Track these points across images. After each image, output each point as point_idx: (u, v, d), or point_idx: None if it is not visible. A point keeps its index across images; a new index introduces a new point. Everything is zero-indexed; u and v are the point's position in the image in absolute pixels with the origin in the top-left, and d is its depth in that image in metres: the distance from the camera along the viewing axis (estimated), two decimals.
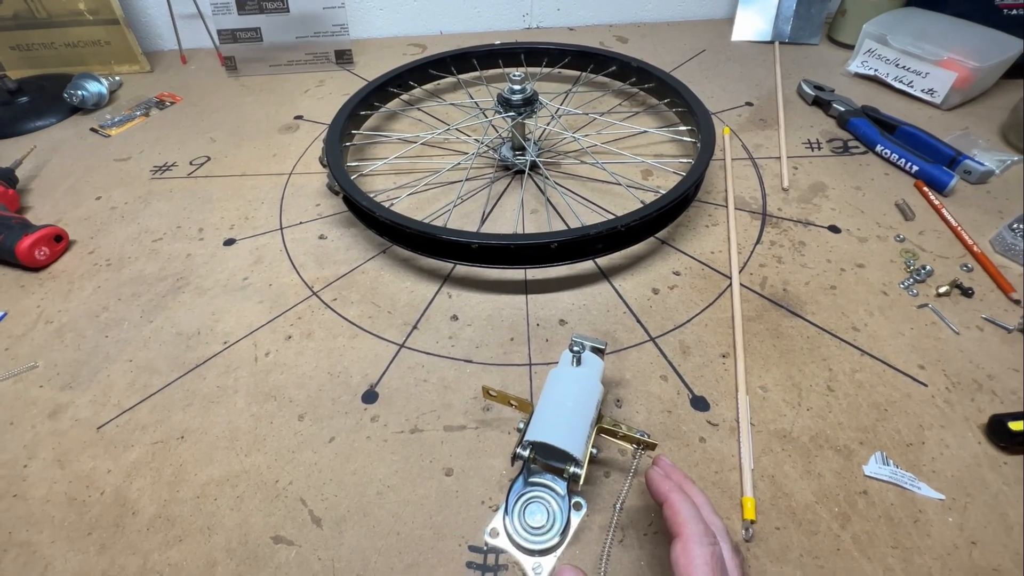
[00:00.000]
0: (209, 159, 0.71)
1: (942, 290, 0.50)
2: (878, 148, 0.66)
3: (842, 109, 0.71)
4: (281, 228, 0.61)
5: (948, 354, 0.45)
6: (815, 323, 0.48)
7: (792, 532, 0.36)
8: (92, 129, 0.78)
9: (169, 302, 0.53)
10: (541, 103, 0.61)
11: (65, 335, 0.51)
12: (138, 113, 0.81)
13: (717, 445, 0.40)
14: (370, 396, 0.45)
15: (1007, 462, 0.39)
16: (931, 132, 0.65)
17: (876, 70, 0.78)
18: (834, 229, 0.57)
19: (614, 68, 0.74)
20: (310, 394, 0.45)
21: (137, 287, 0.55)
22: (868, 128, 0.67)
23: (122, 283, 0.55)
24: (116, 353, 0.49)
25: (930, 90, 0.72)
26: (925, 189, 0.60)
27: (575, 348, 0.37)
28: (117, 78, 0.87)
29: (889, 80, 0.76)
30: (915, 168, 0.62)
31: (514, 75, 0.59)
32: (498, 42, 0.80)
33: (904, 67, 0.75)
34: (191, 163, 0.71)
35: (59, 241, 0.58)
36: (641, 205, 0.51)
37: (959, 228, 0.55)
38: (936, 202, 0.58)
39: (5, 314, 0.53)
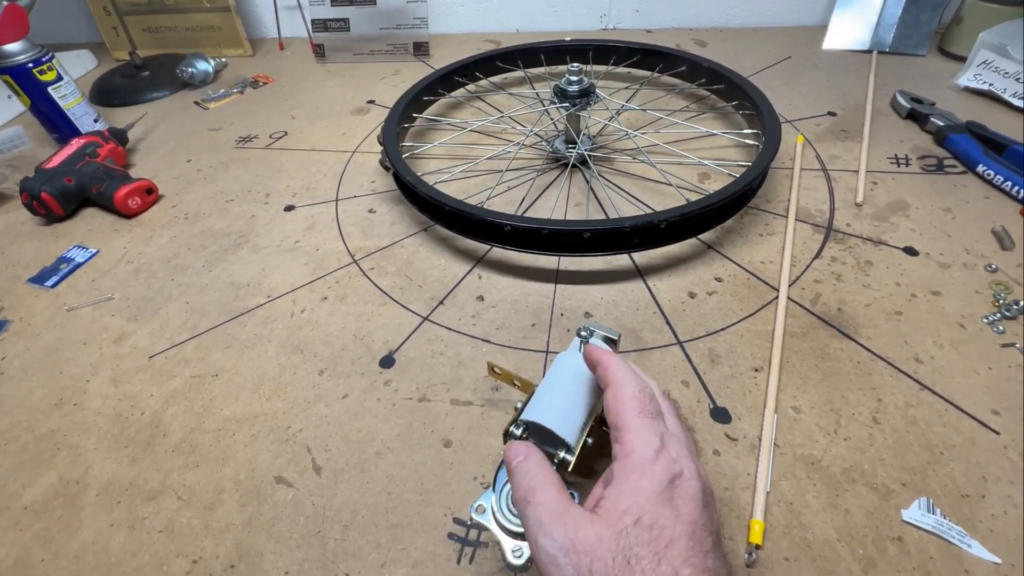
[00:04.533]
0: (286, 134, 0.77)
1: None
2: (980, 168, 0.58)
3: (941, 124, 0.63)
4: (337, 199, 0.64)
5: None
6: (869, 348, 0.43)
7: (803, 566, 0.32)
8: (195, 102, 0.87)
9: (229, 256, 0.58)
10: (597, 96, 0.60)
11: (140, 274, 0.57)
12: (235, 91, 0.90)
13: (732, 461, 0.37)
14: (387, 361, 0.46)
15: None
16: None
17: (991, 84, 0.69)
18: (910, 251, 0.51)
19: (683, 68, 0.71)
20: (334, 352, 0.47)
21: (205, 240, 0.60)
22: (970, 145, 0.59)
23: (194, 235, 0.61)
24: (177, 294, 0.54)
25: None
26: None
27: (583, 333, 0.36)
28: (223, 59, 0.97)
29: (1006, 96, 0.67)
30: (1023, 193, 0.54)
31: (572, 66, 0.58)
32: (568, 38, 0.80)
33: None
34: (270, 136, 0.77)
35: (150, 194, 0.66)
36: (685, 201, 0.48)
37: None
38: None
39: (98, 251, 0.60)
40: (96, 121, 0.78)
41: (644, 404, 0.27)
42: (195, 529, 0.36)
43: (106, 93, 0.91)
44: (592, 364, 0.30)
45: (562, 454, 0.33)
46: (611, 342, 0.38)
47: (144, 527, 0.37)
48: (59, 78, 0.73)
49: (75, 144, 0.67)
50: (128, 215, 0.64)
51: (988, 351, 0.42)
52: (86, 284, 0.56)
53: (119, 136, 0.73)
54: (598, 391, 0.35)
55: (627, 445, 0.25)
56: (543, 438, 0.35)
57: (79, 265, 0.59)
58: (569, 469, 0.32)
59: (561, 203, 0.60)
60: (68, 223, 0.65)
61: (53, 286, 0.56)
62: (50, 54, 0.72)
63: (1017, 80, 0.66)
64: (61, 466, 0.41)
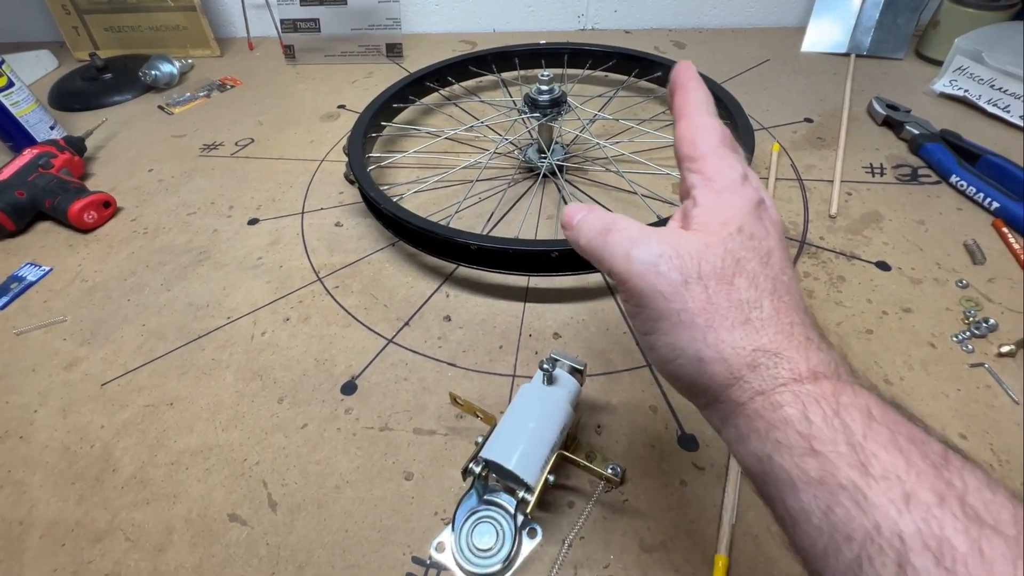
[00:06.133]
0: (253, 141, 0.75)
1: (1005, 349, 0.42)
2: (953, 179, 0.58)
3: (916, 132, 0.63)
4: (302, 212, 0.62)
5: (1000, 425, 0.39)
6: None
7: None
8: (159, 107, 0.84)
9: (188, 273, 0.56)
10: (570, 106, 0.59)
11: (95, 295, 0.55)
12: (201, 94, 0.86)
13: (699, 491, 0.37)
14: (349, 387, 0.44)
15: None
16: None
17: (966, 91, 0.68)
18: (883, 266, 0.50)
19: (659, 73, 0.70)
20: (294, 378, 0.45)
21: (164, 256, 0.58)
22: (944, 155, 0.59)
23: (153, 251, 0.59)
24: (133, 316, 0.52)
25: None
26: (1004, 230, 0.52)
27: (545, 366, 0.35)
28: (190, 61, 0.93)
29: (981, 103, 0.67)
30: (995, 205, 0.54)
31: (543, 75, 0.57)
32: (543, 41, 0.78)
33: (1001, 89, 0.66)
34: (236, 144, 0.74)
35: (107, 207, 0.63)
36: (656, 219, 0.47)
37: None
38: (1016, 246, 0.50)
39: (51, 270, 0.58)
40: (52, 128, 0.74)
41: (725, 135, 0.25)
42: (142, 573, 0.35)
43: (66, 97, 0.87)
44: (673, 88, 0.27)
45: (522, 493, 0.32)
46: (577, 372, 0.37)
47: (89, 571, 0.35)
48: (10, 84, 0.69)
49: (27, 155, 0.64)
50: (84, 230, 0.62)
51: (957, 371, 0.42)
52: (38, 305, 0.54)
53: (76, 145, 0.70)
54: (561, 426, 0.34)
55: (709, 171, 0.24)
56: (504, 475, 0.34)
57: (31, 284, 0.56)
58: (528, 510, 0.32)
59: (532, 216, 0.59)
60: (20, 239, 0.62)
61: (3, 307, 0.54)
62: (0, 59, 0.68)
63: (992, 87, 0.66)
64: (4, 506, 0.39)
